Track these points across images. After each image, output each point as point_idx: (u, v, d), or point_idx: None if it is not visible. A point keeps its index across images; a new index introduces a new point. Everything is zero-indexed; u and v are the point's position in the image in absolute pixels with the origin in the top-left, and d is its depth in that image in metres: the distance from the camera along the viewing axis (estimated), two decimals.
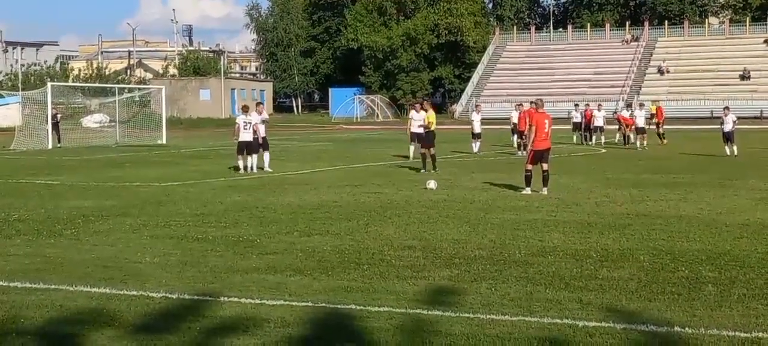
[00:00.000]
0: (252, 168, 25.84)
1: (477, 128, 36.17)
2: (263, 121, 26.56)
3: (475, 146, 35.73)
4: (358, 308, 8.76)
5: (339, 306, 8.85)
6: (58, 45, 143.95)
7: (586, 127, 43.07)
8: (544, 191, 19.28)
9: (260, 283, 9.95)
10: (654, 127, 41.51)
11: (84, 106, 59.12)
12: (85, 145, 44.17)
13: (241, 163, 25.96)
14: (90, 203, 18.04)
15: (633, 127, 39.74)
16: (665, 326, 8.01)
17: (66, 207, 17.28)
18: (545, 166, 19.72)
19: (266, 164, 26.32)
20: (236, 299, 9.12)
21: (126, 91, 57.00)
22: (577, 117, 44.38)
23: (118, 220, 15.36)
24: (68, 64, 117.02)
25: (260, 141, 26.30)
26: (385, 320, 8.29)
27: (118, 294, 9.45)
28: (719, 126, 34.11)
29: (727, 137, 32.48)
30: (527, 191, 19.38)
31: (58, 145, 43.83)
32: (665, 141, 40.39)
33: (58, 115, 46.53)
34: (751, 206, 16.78)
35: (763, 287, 9.53)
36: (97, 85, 72.11)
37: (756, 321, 8.16)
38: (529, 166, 19.75)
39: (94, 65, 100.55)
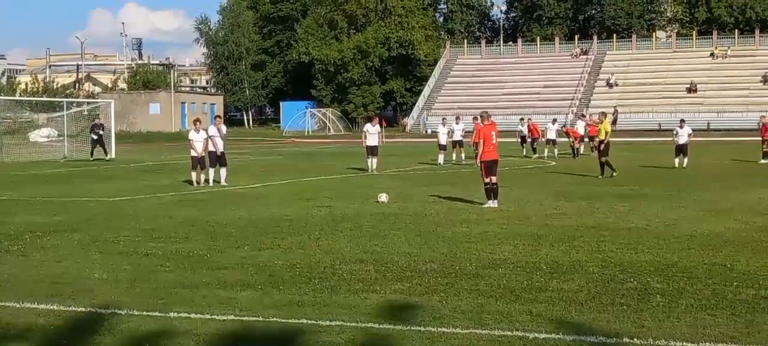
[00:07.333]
0: (207, 182, 25.77)
1: (443, 140, 37.22)
2: (222, 136, 26.56)
3: (441, 158, 36.53)
4: (309, 322, 8.72)
5: (290, 321, 8.81)
6: (5, 59, 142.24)
7: (532, 140, 43.88)
8: (495, 203, 19.32)
9: (210, 298, 9.88)
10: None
11: (31, 121, 58.25)
12: (32, 160, 43.54)
13: (194, 177, 25.90)
14: (38, 218, 17.80)
15: (581, 138, 42.07)
16: (614, 337, 8.08)
17: (13, 223, 17.03)
18: (495, 178, 19.72)
19: (223, 179, 26.17)
20: (186, 315, 9.05)
21: (74, 105, 56.35)
22: (524, 130, 45.36)
23: (67, 235, 15.18)
24: (15, 78, 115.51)
25: (218, 155, 26.24)
26: (337, 334, 8.27)
27: (67, 311, 9.33)
28: (673, 138, 34.51)
29: (681, 149, 32.92)
30: (492, 203, 19.26)
31: (107, 157, 43.48)
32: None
33: (101, 130, 44.97)
34: (699, 218, 16.99)
35: (711, 298, 9.64)
36: (44, 99, 71.17)
37: (703, 332, 8.26)
38: (487, 179, 19.68)
39: (40, 79, 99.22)
